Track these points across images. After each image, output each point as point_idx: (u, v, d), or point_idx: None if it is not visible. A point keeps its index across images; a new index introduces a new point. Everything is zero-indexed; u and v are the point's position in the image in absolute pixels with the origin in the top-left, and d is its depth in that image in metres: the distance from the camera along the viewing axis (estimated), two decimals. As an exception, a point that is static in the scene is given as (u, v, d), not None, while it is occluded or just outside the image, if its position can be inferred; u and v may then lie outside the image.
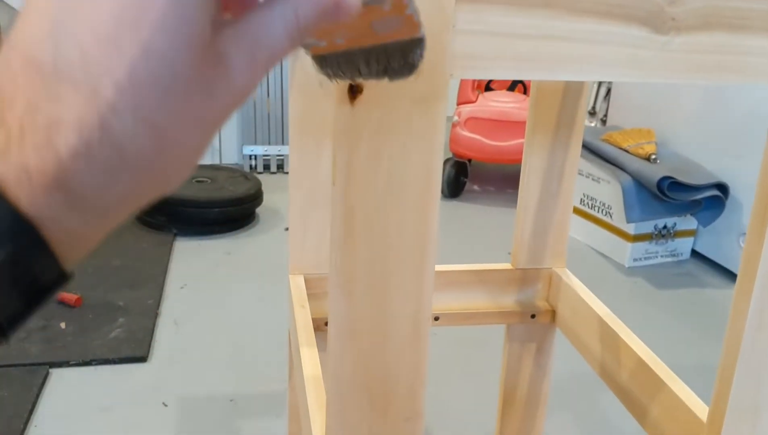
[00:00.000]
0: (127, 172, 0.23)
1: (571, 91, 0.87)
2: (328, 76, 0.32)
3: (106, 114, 0.22)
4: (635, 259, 2.28)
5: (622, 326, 0.79)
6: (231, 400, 1.53)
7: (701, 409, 0.63)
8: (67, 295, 1.85)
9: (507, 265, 0.96)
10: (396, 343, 0.47)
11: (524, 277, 0.95)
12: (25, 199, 0.22)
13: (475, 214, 2.72)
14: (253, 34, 0.25)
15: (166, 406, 1.50)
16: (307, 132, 0.87)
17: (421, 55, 0.33)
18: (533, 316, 0.95)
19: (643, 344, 0.76)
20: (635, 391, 0.73)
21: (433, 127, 0.43)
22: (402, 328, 0.46)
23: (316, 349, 0.75)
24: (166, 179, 0.25)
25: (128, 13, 0.23)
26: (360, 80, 0.33)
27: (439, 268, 0.93)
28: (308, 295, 0.88)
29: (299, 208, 0.89)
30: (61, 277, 0.24)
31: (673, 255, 2.33)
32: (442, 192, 2.81)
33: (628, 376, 0.75)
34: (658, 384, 0.69)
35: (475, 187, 3.00)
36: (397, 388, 0.48)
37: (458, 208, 2.75)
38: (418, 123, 0.42)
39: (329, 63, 0.32)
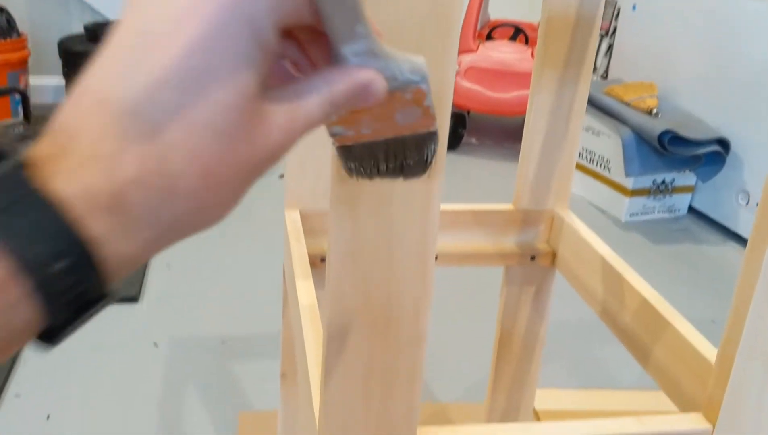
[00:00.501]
0: (176, 205, 0.26)
1: (582, 24, 0.83)
2: (349, 171, 0.35)
3: (164, 150, 0.25)
4: (632, 214, 2.27)
5: (626, 267, 0.77)
6: (222, 342, 1.51)
7: (709, 351, 0.61)
8: (57, 234, 1.82)
9: (508, 206, 0.93)
10: (401, 261, 0.44)
11: (525, 218, 0.93)
12: (86, 219, 0.25)
13: (472, 167, 2.69)
14: (292, 100, 0.29)
15: (156, 346, 1.49)
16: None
17: (435, 152, 0.35)
18: (533, 258, 0.93)
19: (648, 285, 0.74)
20: (638, 332, 0.72)
21: (446, 40, 0.40)
22: (408, 245, 0.44)
23: (312, 282, 0.73)
24: (207, 217, 0.28)
25: (193, 64, 0.25)
26: (377, 178, 0.35)
27: (438, 207, 0.91)
28: (304, 230, 0.86)
29: (296, 140, 0.86)
30: (104, 295, 0.26)
31: (671, 211, 2.31)
32: (439, 143, 2.77)
33: (631, 317, 0.73)
34: (663, 324, 0.67)
35: (473, 140, 2.96)
36: (400, 310, 0.45)
37: (455, 160, 2.72)
38: (430, 37, 0.39)
39: (353, 155, 0.34)
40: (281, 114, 0.28)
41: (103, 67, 0.26)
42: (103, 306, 0.27)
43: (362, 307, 0.45)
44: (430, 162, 0.35)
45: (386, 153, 0.34)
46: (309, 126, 0.29)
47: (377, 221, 0.43)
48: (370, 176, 0.35)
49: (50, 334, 0.26)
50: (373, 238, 0.44)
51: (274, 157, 0.28)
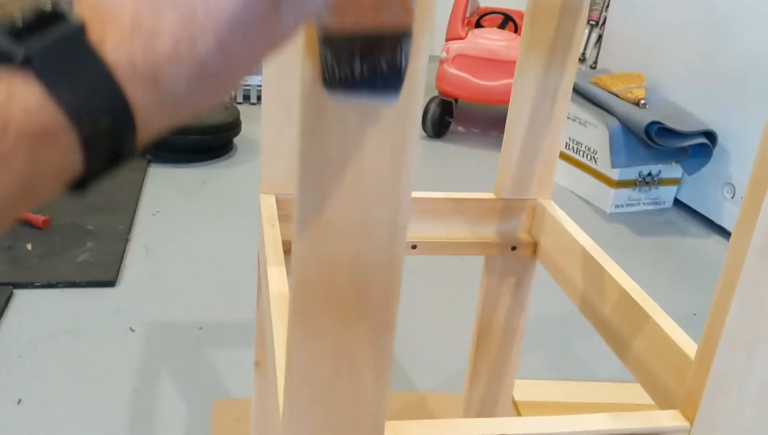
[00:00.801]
0: (200, 82, 0.29)
1: (569, 8, 0.81)
2: (325, 69, 0.36)
3: (195, 32, 0.28)
4: (617, 206, 2.26)
5: (607, 259, 0.76)
6: (200, 328, 1.49)
7: (688, 345, 0.60)
8: (34, 216, 1.78)
9: (490, 195, 0.91)
10: (369, 248, 0.42)
11: (507, 208, 0.91)
12: (128, 87, 0.28)
13: (458, 155, 2.67)
14: None
15: (133, 331, 1.46)
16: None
17: (407, 58, 0.36)
18: (514, 248, 0.91)
19: (629, 278, 0.72)
20: (617, 325, 0.70)
21: None
22: (377, 231, 0.42)
23: (285, 269, 0.70)
24: (222, 93, 0.31)
25: None
26: (350, 87, 0.37)
27: (417, 194, 0.89)
28: (279, 216, 0.83)
29: (273, 122, 0.83)
30: (133, 152, 0.30)
31: (656, 203, 2.30)
32: (426, 132, 2.75)
33: (610, 310, 0.72)
34: (643, 317, 0.66)
35: (460, 129, 2.94)
36: (368, 299, 0.43)
37: (441, 148, 2.70)
38: None
39: (333, 47, 0.36)
40: (291, 6, 0.31)
41: None
42: (129, 162, 0.30)
43: (328, 296, 0.43)
44: (403, 71, 0.36)
45: (362, 49, 0.35)
46: (313, 15, 0.33)
47: (344, 203, 0.41)
48: (343, 78, 0.36)
49: (80, 183, 0.29)
50: (339, 222, 0.41)
51: (279, 44, 0.32)
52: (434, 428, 0.49)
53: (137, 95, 0.28)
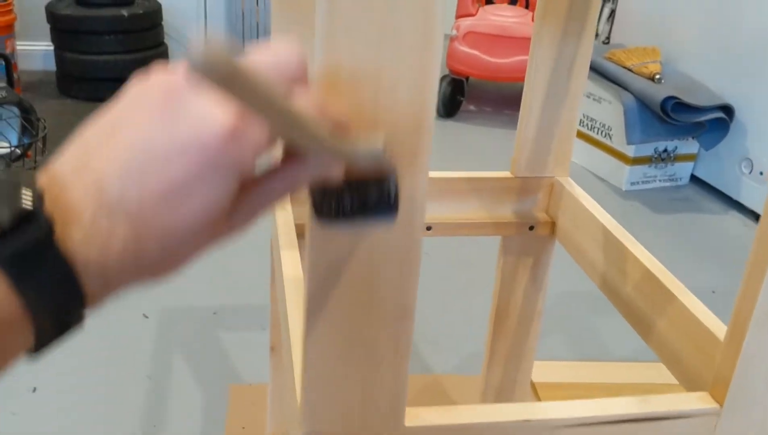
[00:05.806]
0: (139, 272, 0.33)
1: (586, -21, 0.78)
2: (316, 207, 0.38)
3: (143, 244, 0.32)
4: (633, 183, 2.22)
5: (628, 237, 0.74)
6: (214, 313, 1.48)
7: (715, 325, 0.58)
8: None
9: (506, 174, 0.89)
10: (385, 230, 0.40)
11: (524, 186, 0.89)
12: (82, 279, 0.31)
13: (470, 134, 2.64)
14: (257, 199, 0.35)
15: (146, 317, 1.46)
16: (289, 18, 0.78)
17: (395, 189, 0.37)
18: (531, 228, 0.89)
19: (652, 256, 0.70)
20: (640, 305, 0.68)
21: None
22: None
23: (298, 253, 0.69)
24: (159, 278, 0.34)
25: (180, 186, 0.31)
26: (343, 219, 0.37)
27: (431, 175, 0.87)
28: (291, 198, 0.82)
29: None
30: (79, 325, 0.33)
31: (672, 179, 2.27)
32: (437, 111, 2.72)
33: (632, 289, 0.70)
34: (667, 297, 0.64)
35: (472, 107, 2.90)
36: (384, 282, 0.41)
37: (453, 128, 2.67)
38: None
39: (319, 192, 0.37)
40: (244, 212, 0.34)
41: (108, 158, 0.31)
42: (76, 329, 0.33)
43: (343, 279, 0.42)
44: (394, 202, 0.37)
45: (350, 191, 0.37)
46: (269, 211, 0.36)
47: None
48: (336, 214, 0.37)
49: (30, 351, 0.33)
50: (354, 205, 0.40)
51: (228, 238, 0.35)
52: (454, 413, 0.48)
53: (90, 285, 0.31)
